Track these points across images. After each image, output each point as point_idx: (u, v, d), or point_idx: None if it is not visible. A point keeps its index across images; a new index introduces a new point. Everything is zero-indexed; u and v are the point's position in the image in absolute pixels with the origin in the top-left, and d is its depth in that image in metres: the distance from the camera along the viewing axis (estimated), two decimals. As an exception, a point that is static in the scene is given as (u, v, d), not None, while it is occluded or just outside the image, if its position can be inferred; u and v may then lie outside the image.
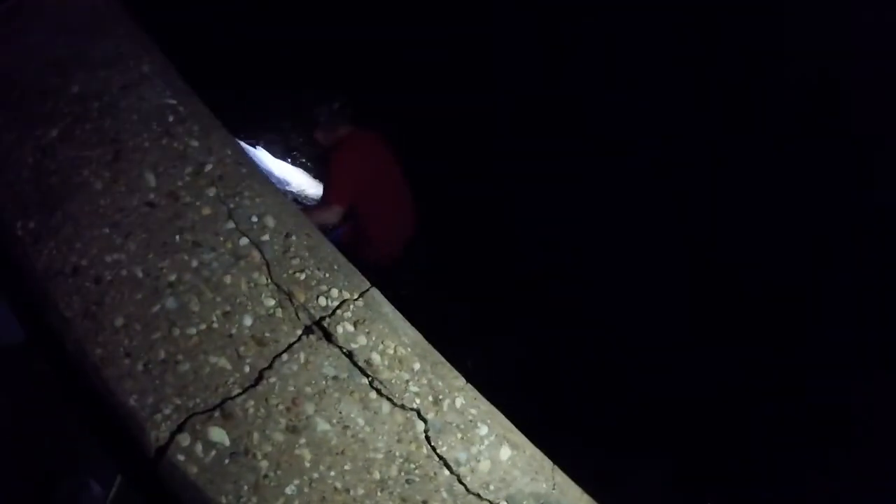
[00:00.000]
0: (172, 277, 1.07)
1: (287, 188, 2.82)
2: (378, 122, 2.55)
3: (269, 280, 1.10)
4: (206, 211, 1.14)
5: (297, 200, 2.50)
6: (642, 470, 2.33)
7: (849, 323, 2.12)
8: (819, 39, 2.17)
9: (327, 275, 1.13)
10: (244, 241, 1.13)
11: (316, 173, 3.19)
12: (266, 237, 1.14)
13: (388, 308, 1.15)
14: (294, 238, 1.15)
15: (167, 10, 2.16)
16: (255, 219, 1.15)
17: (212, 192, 1.17)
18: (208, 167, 1.19)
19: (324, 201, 2.18)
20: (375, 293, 1.15)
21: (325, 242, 1.19)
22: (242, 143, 3.07)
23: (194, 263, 1.09)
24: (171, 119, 1.24)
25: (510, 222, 3.00)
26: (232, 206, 1.16)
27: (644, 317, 2.63)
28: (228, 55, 2.76)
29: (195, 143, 1.22)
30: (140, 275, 1.06)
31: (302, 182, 3.07)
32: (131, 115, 1.23)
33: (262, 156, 3.08)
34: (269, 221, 1.16)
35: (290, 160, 3.19)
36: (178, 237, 1.10)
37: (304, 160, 3.27)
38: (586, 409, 2.57)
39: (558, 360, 2.74)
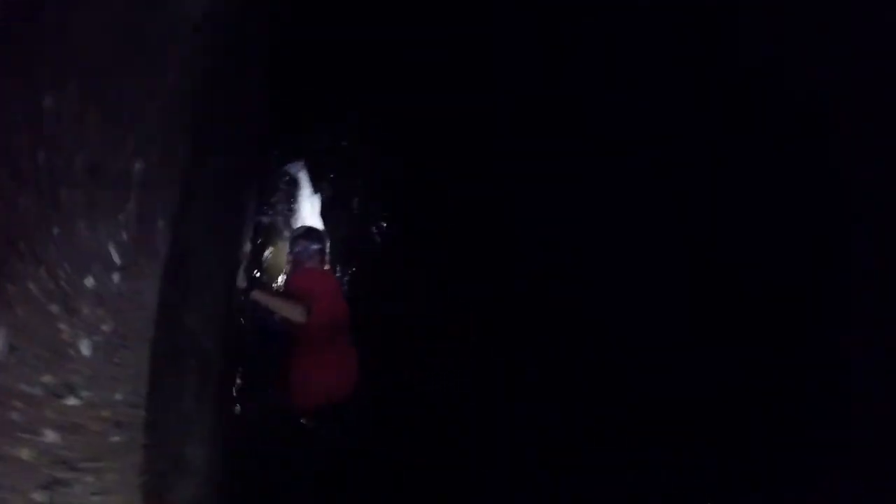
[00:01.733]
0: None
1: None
2: (379, 122, 2.55)
3: None
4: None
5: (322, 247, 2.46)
6: (642, 470, 2.33)
7: (849, 323, 2.12)
8: (819, 39, 2.17)
9: None
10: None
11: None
12: None
13: None
14: None
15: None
16: None
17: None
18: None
19: (291, 299, 2.13)
20: None
21: None
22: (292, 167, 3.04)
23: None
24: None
25: (510, 222, 3.00)
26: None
27: (644, 317, 2.63)
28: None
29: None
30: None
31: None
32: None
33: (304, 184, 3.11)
34: None
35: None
36: None
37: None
38: (585, 409, 2.57)
39: (558, 360, 2.74)
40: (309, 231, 2.45)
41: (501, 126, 2.98)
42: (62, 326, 0.88)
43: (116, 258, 0.99)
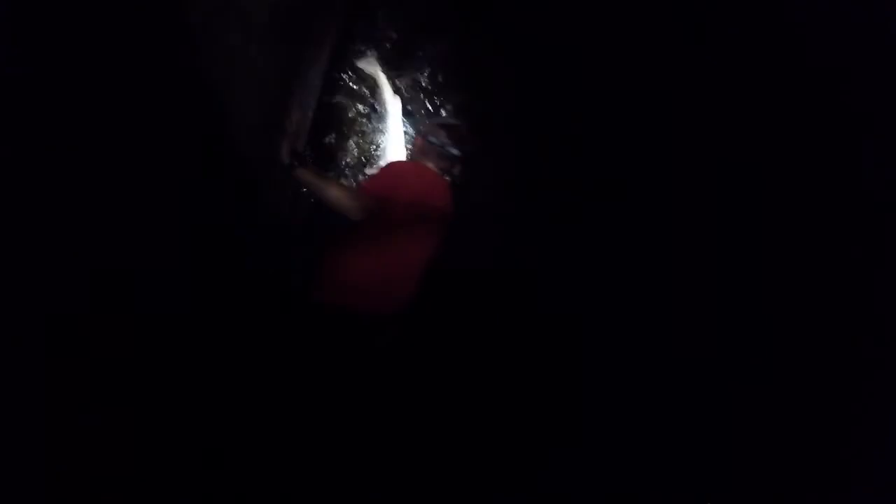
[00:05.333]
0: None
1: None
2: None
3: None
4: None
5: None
6: (642, 470, 2.33)
7: (846, 323, 2.12)
8: (819, 39, 2.18)
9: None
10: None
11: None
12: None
13: None
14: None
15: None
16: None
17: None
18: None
19: (358, 188, 1.88)
20: None
21: None
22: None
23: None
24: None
25: (511, 224, 3.00)
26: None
27: (644, 316, 2.62)
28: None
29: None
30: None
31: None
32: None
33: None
34: None
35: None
36: None
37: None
38: (585, 409, 2.57)
39: (558, 358, 2.74)
40: (457, 128, 1.93)
41: (501, 125, 2.99)
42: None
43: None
